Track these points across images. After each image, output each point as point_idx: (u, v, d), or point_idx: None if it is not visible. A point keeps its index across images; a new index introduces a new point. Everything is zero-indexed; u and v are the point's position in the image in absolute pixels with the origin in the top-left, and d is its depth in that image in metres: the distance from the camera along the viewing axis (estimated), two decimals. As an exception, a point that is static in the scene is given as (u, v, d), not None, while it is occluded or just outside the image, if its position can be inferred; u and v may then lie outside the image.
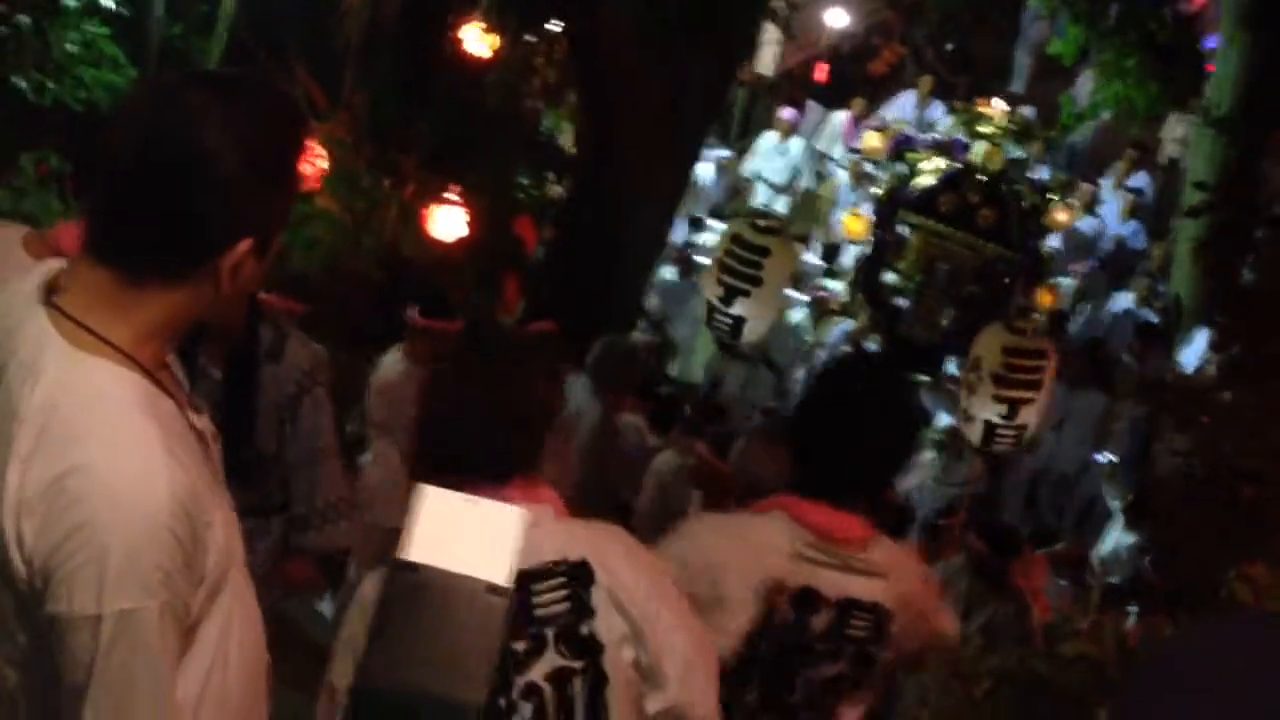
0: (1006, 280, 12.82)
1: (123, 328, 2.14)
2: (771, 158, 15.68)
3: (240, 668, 2.32)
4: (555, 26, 11.23)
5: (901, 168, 13.06)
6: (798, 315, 12.96)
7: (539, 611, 2.86)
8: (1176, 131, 16.27)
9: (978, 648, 3.85)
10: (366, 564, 5.71)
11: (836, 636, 3.32)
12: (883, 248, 13.00)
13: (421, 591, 1.54)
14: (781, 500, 3.35)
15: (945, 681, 3.76)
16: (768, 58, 17.00)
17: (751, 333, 7.93)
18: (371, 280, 9.17)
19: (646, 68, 9.52)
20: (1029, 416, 7.81)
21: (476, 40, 10.31)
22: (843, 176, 15.41)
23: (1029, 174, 13.57)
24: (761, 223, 8.01)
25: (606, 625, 2.87)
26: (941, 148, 13.11)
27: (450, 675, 1.49)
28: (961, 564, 6.59)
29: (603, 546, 2.93)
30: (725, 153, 15.70)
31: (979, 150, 12.78)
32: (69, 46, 9.71)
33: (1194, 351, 11.14)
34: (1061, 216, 13.90)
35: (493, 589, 1.54)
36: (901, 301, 12.90)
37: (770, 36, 15.95)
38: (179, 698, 2.17)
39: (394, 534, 1.82)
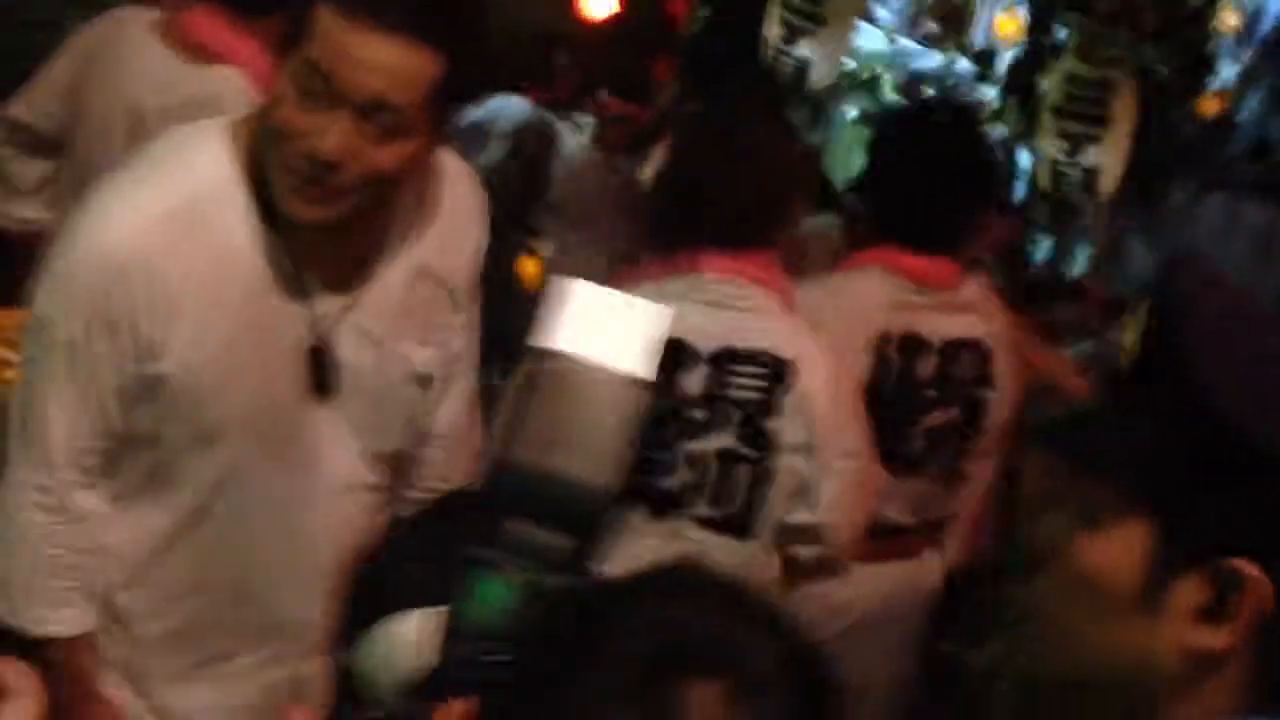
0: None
1: None
2: None
3: (232, 549, 2.41)
4: None
5: None
6: None
7: (731, 392, 2.91)
8: None
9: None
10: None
11: (944, 380, 3.38)
12: (1039, 51, 12.43)
13: (559, 378, 1.57)
14: (875, 253, 3.41)
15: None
16: None
17: (819, 76, 7.44)
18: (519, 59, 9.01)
19: None
20: (1098, 157, 7.28)
21: None
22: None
23: None
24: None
25: (790, 429, 2.95)
26: None
27: (584, 459, 1.53)
28: None
29: (812, 355, 2.97)
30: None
31: None
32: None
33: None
34: (1230, 19, 13.19)
35: (632, 380, 1.57)
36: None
37: None
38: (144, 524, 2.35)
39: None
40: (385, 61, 2.12)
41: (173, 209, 2.27)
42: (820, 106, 10.73)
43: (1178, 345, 1.35)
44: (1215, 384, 1.31)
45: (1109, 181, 7.44)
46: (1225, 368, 1.32)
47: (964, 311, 3.41)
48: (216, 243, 2.28)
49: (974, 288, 3.47)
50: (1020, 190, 10.05)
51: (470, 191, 2.59)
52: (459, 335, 2.58)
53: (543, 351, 1.62)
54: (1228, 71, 13.41)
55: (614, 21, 9.16)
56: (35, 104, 3.79)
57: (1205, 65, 12.73)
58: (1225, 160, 8.53)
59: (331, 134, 2.12)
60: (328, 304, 2.36)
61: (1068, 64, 7.46)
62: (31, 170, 3.82)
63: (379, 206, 2.28)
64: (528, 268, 6.22)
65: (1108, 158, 7.34)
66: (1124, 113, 7.39)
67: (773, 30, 7.36)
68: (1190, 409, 1.31)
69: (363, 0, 2.12)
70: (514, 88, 7.63)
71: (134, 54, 3.59)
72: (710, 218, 3.00)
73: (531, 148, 6.81)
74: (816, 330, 3.17)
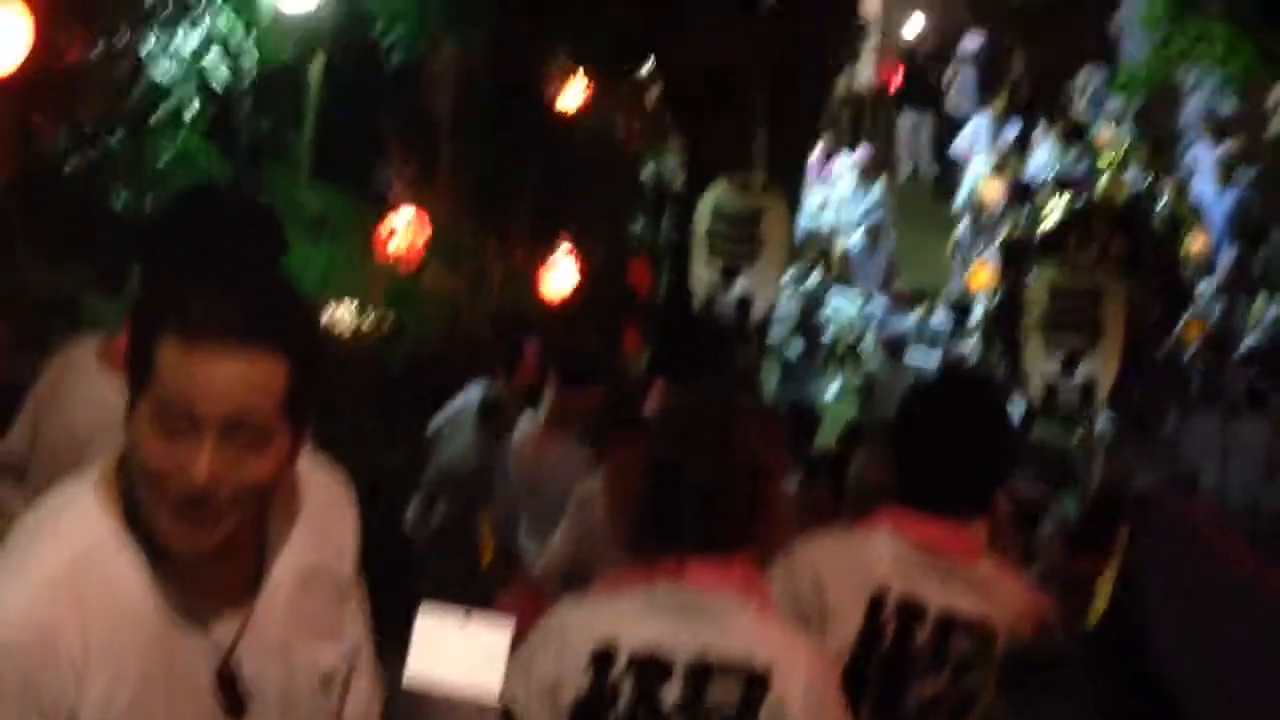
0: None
1: None
2: (851, 202, 15.01)
3: None
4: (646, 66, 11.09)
5: (1022, 211, 12.56)
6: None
7: (708, 704, 2.86)
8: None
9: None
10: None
11: (938, 652, 3.27)
12: (1013, 298, 12.35)
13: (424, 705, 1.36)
14: (887, 513, 3.34)
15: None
16: (866, 70, 16.74)
17: (760, 310, 7.30)
18: (487, 346, 9.03)
19: (739, 93, 9.33)
20: (1092, 370, 6.95)
21: (567, 92, 10.18)
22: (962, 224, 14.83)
23: (1155, 200, 12.98)
24: (746, 180, 7.31)
25: None
26: (1063, 184, 12.62)
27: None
28: None
29: (792, 660, 2.90)
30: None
31: (1103, 182, 12.20)
32: (163, 158, 9.71)
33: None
34: (1198, 244, 13.27)
35: (482, 710, 1.48)
36: None
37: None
38: None
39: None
40: (237, 376, 2.13)
41: (57, 577, 2.20)
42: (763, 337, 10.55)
43: (1139, 616, 1.54)
44: (1169, 669, 1.46)
45: (1103, 393, 7.19)
46: (1179, 656, 1.44)
47: (973, 588, 3.29)
48: (108, 596, 2.22)
49: (992, 566, 3.40)
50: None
51: (333, 479, 2.58)
52: (355, 622, 2.55)
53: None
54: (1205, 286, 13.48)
55: (578, 298, 9.16)
56: (11, 434, 3.86)
57: (1182, 293, 12.74)
58: (1214, 377, 8.33)
59: (199, 463, 2.13)
60: (226, 624, 2.31)
61: (1050, 275, 7.22)
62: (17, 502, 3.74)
63: (257, 516, 2.30)
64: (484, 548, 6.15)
65: (1102, 369, 7.07)
66: (1115, 319, 7.08)
67: (703, 275, 7.23)
68: (1141, 686, 1.45)
69: (205, 321, 2.12)
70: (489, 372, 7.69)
71: (78, 379, 3.65)
72: (692, 527, 2.95)
73: (489, 430, 6.93)
74: (823, 586, 3.23)
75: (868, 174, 14.87)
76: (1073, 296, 7.02)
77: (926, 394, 3.70)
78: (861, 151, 15.29)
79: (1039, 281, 7.24)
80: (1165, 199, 13.45)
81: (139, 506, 2.20)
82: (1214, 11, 13.82)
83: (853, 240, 14.32)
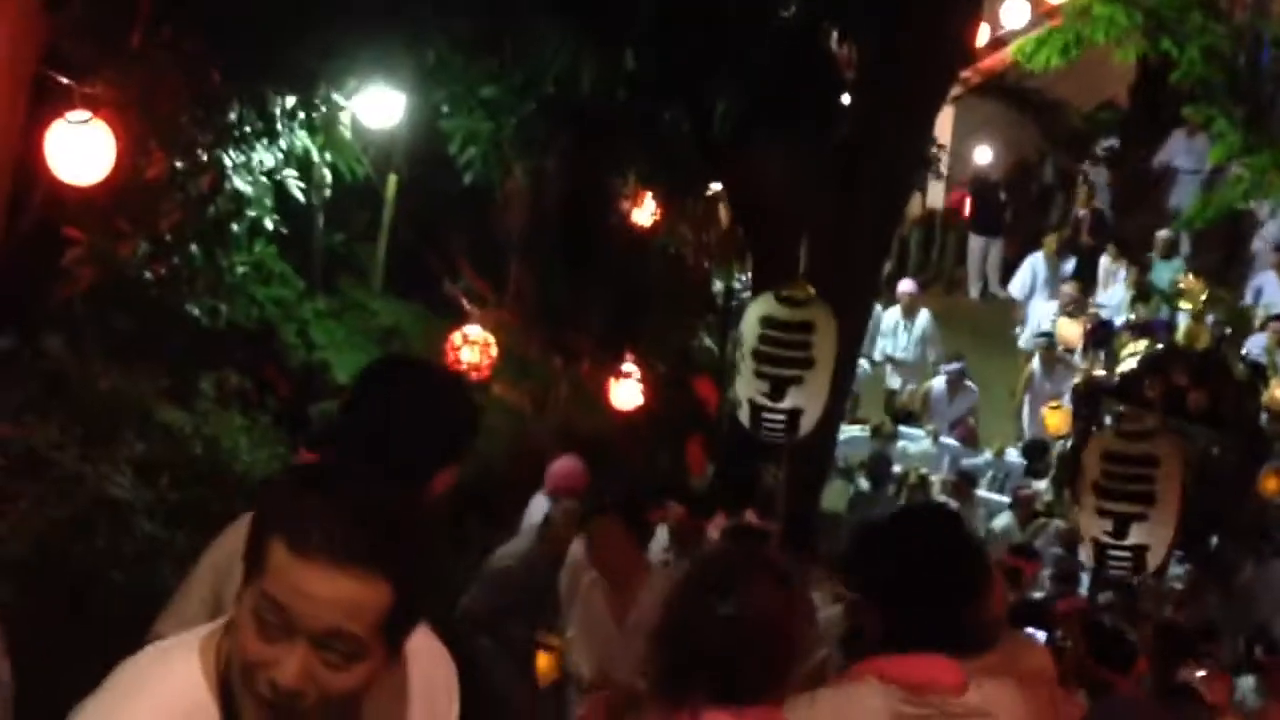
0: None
1: None
2: (896, 335, 14.81)
3: None
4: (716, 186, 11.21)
5: (1100, 354, 12.36)
6: (1004, 519, 12.10)
7: None
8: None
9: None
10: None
11: None
12: (1087, 441, 12.11)
13: None
14: (869, 664, 3.25)
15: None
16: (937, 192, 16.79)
17: (808, 424, 7.05)
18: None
19: (809, 213, 9.39)
20: (1145, 536, 6.77)
21: (638, 211, 10.32)
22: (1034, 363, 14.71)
23: (1240, 349, 12.77)
24: (795, 294, 7.07)
25: None
26: (1142, 329, 12.46)
27: None
28: None
29: None
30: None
31: (1183, 329, 12.02)
32: (239, 269, 9.89)
33: None
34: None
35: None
36: None
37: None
38: None
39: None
40: (339, 595, 2.13)
41: None
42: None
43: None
44: None
45: (1156, 559, 7.06)
46: None
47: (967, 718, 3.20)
48: None
49: (984, 688, 3.29)
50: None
51: (443, 668, 2.61)
52: None
53: None
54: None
55: (644, 414, 9.20)
56: (188, 605, 3.63)
57: (1262, 443, 12.45)
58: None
59: (290, 664, 2.13)
60: None
61: (1105, 439, 7.07)
62: None
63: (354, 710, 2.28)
64: (541, 662, 6.17)
65: (1155, 536, 6.89)
66: (1170, 488, 6.87)
67: (751, 388, 7.04)
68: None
69: (313, 535, 2.12)
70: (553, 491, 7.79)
71: None
72: (708, 678, 2.94)
73: (549, 543, 7.13)
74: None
75: (916, 302, 14.80)
76: (1126, 462, 6.78)
77: (878, 533, 3.64)
78: (908, 284, 15.13)
79: (1092, 446, 7.07)
80: (1247, 346, 13.29)
81: (233, 685, 2.21)
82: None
83: (935, 385, 14.20)
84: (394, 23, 8.16)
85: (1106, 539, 6.75)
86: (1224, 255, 16.74)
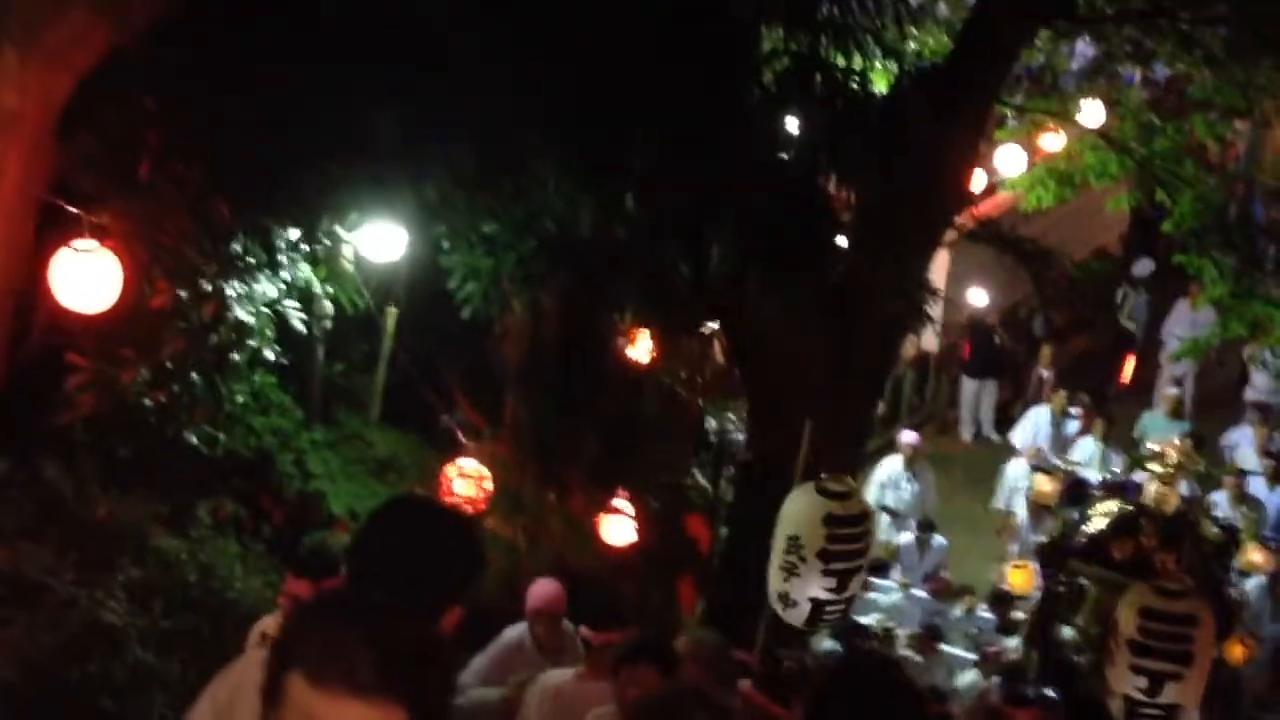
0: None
1: None
2: (899, 486, 14.65)
3: None
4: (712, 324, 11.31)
5: (1072, 512, 12.29)
6: (969, 675, 11.93)
7: None
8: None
9: None
10: None
11: None
12: (1053, 600, 11.91)
13: None
14: None
15: None
16: (930, 335, 16.91)
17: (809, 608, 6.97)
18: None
19: (803, 353, 9.48)
20: (1178, 695, 6.74)
21: (633, 348, 10.40)
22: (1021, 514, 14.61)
23: (1213, 512, 12.70)
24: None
25: None
26: (1113, 489, 12.39)
27: None
28: None
29: None
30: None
31: (1151, 491, 11.82)
32: (238, 398, 9.95)
33: None
34: (1257, 557, 12.85)
35: None
36: (1079, 658, 11.48)
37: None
38: None
39: None
40: None
41: None
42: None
43: None
44: None
45: (1190, 714, 7.01)
46: None
47: None
48: None
49: None
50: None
51: None
52: None
53: None
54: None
55: (636, 550, 9.22)
56: None
57: (1227, 609, 12.31)
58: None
59: None
60: None
61: (1143, 596, 6.99)
62: None
63: None
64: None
65: (1187, 695, 6.80)
66: (1205, 648, 6.83)
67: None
68: None
69: (330, 665, 2.15)
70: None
71: (251, 691, 3.64)
72: None
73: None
74: None
75: (918, 454, 14.78)
76: (1166, 620, 6.70)
77: (833, 680, 3.69)
78: (911, 435, 15.08)
79: (1129, 602, 6.99)
80: (1221, 506, 13.27)
81: None
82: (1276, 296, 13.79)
83: (903, 537, 14.16)
84: (397, 159, 8.30)
85: (1140, 696, 6.69)
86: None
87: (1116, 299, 18.54)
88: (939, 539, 14.15)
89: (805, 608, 6.99)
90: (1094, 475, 13.50)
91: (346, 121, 7.95)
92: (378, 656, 2.14)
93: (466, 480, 9.04)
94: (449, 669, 2.33)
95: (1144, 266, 18.62)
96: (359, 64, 7.67)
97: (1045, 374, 17.66)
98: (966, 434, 18.06)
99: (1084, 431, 15.31)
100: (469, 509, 8.99)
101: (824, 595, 6.89)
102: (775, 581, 7.04)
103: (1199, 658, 6.75)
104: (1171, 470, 11.89)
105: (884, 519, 14.28)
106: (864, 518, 7.03)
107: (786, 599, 7.03)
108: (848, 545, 6.96)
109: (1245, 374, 17.10)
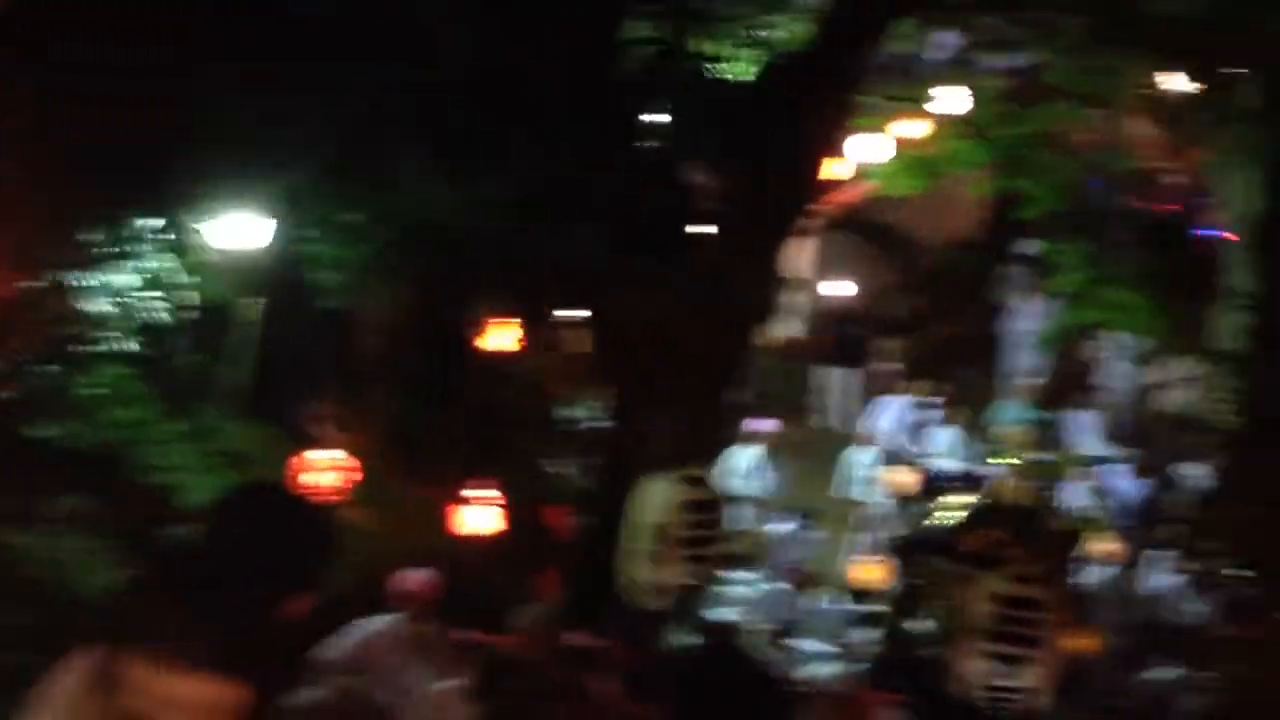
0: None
1: None
2: (764, 474, 14.05)
3: None
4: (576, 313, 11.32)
5: (928, 504, 12.36)
6: (827, 668, 11.71)
7: None
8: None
9: None
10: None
11: None
12: (910, 593, 11.74)
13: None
14: None
15: None
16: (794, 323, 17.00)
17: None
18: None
19: (666, 342, 9.54)
20: (1030, 678, 6.93)
21: (496, 337, 10.40)
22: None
23: (1065, 502, 12.89)
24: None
25: None
26: (968, 480, 12.54)
27: None
28: None
29: None
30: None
31: (1004, 482, 12.11)
32: (94, 391, 9.78)
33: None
34: (1106, 546, 13.04)
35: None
36: (934, 650, 11.80)
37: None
38: None
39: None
40: (198, 699, 2.25)
41: None
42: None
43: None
44: None
45: (1044, 699, 7.14)
46: None
47: None
48: None
49: None
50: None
51: None
52: None
53: None
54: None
55: (496, 539, 9.24)
56: None
57: (1082, 602, 12.48)
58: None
59: None
60: None
61: (992, 585, 7.15)
62: None
63: None
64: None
65: (1040, 678, 6.97)
66: (1054, 631, 7.08)
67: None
68: None
69: (172, 648, 2.25)
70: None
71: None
72: None
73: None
74: None
75: (779, 442, 14.56)
76: (1014, 604, 6.91)
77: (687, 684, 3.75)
78: (771, 423, 14.86)
79: (979, 590, 7.12)
80: (1073, 495, 13.42)
81: None
82: (1130, 282, 14.02)
83: (782, 529, 13.93)
84: (255, 149, 8.22)
85: (992, 681, 6.83)
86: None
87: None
88: (817, 532, 14.04)
89: (666, 594, 7.09)
90: (951, 466, 13.62)
91: (206, 110, 7.86)
92: (215, 637, 2.22)
93: (324, 470, 8.99)
94: (288, 653, 2.36)
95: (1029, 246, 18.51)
96: (219, 53, 7.60)
97: (890, 367, 17.72)
98: (818, 421, 18.09)
99: (946, 421, 15.39)
100: (323, 498, 8.94)
101: (685, 580, 6.99)
102: (637, 569, 7.11)
103: (1048, 642, 6.91)
104: (1023, 461, 12.05)
105: (744, 509, 14.19)
106: (720, 504, 7.14)
107: (648, 586, 7.11)
108: (706, 531, 7.07)
109: (1096, 362, 17.37)
